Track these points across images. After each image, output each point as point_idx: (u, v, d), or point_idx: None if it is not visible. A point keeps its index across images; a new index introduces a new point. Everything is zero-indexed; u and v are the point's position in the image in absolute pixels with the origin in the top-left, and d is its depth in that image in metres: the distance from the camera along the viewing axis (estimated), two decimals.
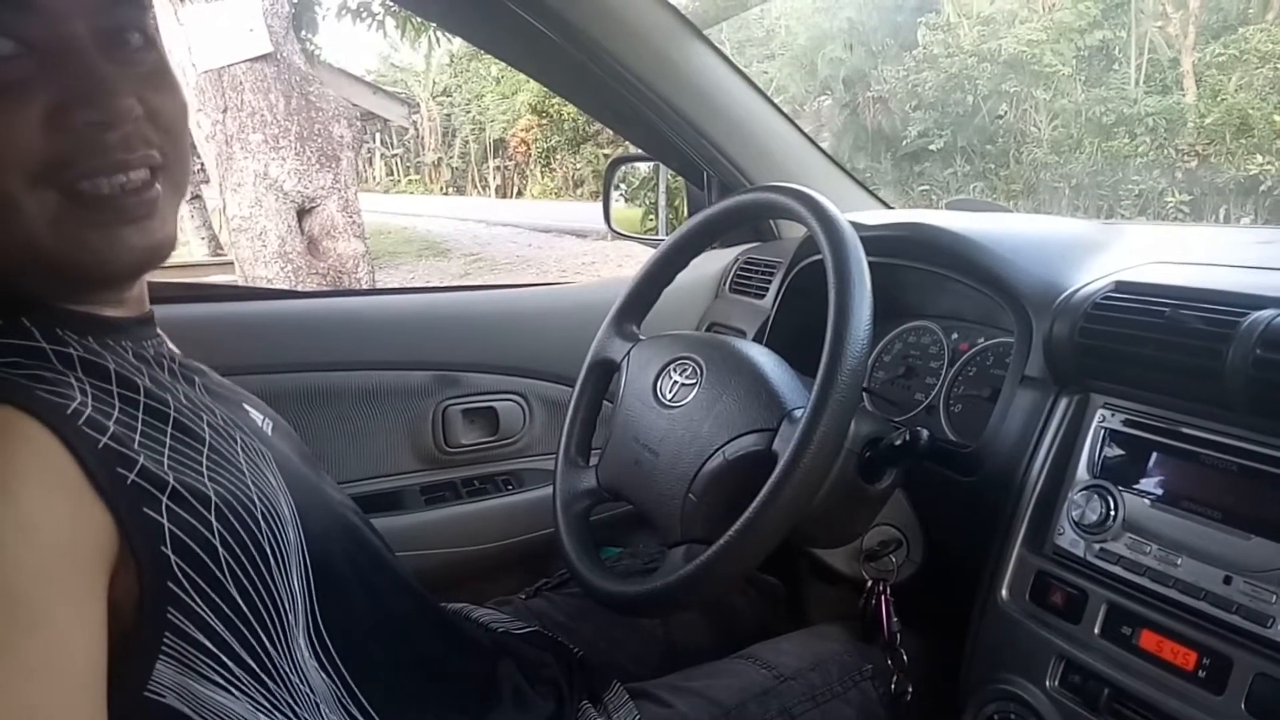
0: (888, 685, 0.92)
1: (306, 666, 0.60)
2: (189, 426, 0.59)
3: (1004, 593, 0.83)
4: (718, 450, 0.86)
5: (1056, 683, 0.76)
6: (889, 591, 0.96)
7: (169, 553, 0.52)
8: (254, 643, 0.57)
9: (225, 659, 0.55)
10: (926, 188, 10.20)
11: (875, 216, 1.26)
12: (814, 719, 0.88)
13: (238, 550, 0.56)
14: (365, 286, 5.48)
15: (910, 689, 0.91)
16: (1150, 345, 0.76)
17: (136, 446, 0.53)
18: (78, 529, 0.48)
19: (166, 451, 0.55)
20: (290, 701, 0.59)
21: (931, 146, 10.41)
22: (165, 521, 0.52)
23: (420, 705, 0.72)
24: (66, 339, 0.56)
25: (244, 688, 0.56)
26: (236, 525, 0.56)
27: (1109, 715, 0.72)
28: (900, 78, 10.69)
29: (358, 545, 0.72)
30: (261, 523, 0.58)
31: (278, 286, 4.99)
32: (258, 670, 0.57)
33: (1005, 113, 10.02)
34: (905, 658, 0.93)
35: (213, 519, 0.55)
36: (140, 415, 0.56)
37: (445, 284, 6.86)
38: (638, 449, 0.94)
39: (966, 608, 0.88)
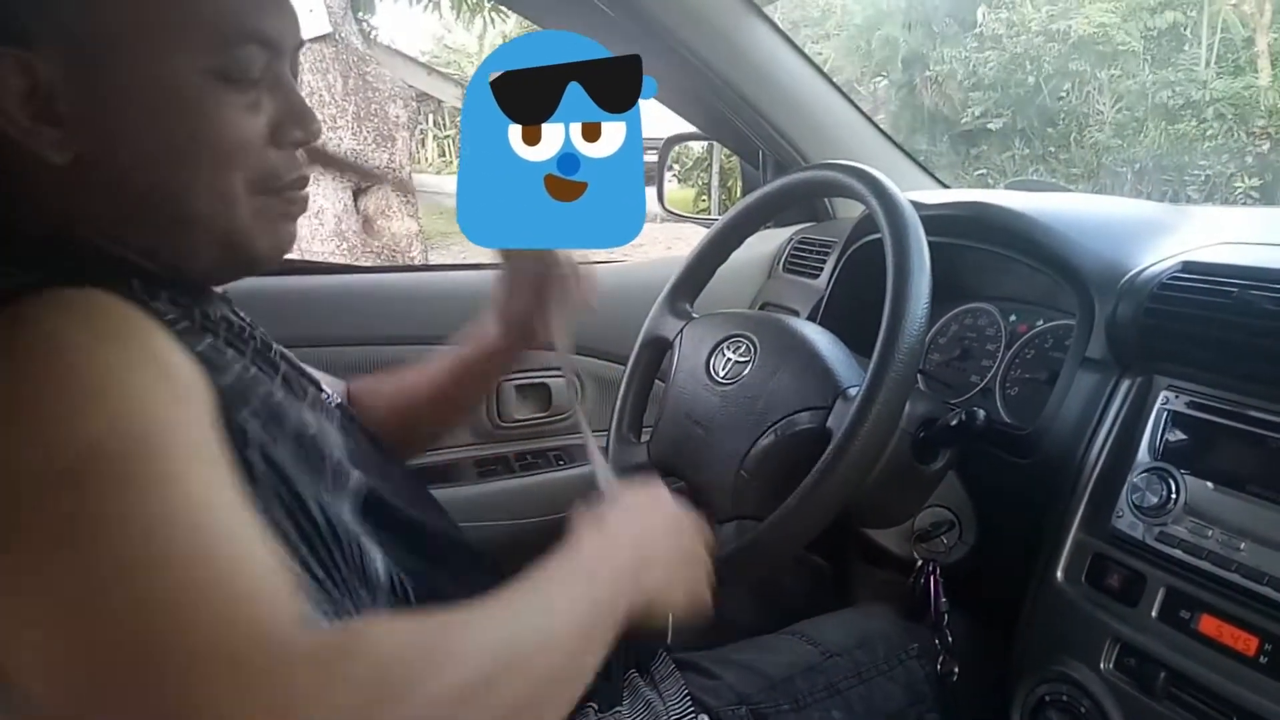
0: (934, 665, 0.91)
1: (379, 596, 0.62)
2: (264, 370, 0.62)
3: (1059, 575, 0.82)
4: (771, 427, 0.86)
5: (1111, 665, 0.76)
6: (939, 572, 0.96)
7: (255, 459, 0.54)
8: (328, 564, 0.58)
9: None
10: (984, 171, 9.99)
11: (934, 196, 1.24)
12: (860, 695, 0.88)
13: (310, 474, 0.58)
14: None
15: (957, 669, 0.91)
16: (1218, 326, 0.75)
17: (225, 363, 0.56)
18: (198, 382, 0.50)
19: (250, 375, 0.58)
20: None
21: (990, 128, 10.19)
22: (249, 430, 0.54)
23: None
24: (157, 292, 0.58)
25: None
26: (306, 452, 0.59)
27: (1166, 699, 0.71)
28: (960, 58, 10.46)
29: (415, 509, 0.73)
30: (328, 463, 0.60)
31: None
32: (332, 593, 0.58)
33: (1067, 94, 9.76)
34: (952, 638, 0.92)
35: (284, 437, 0.57)
36: (222, 344, 0.59)
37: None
38: (690, 426, 0.95)
39: (1019, 590, 0.87)
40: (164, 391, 0.47)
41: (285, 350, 0.73)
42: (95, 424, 0.43)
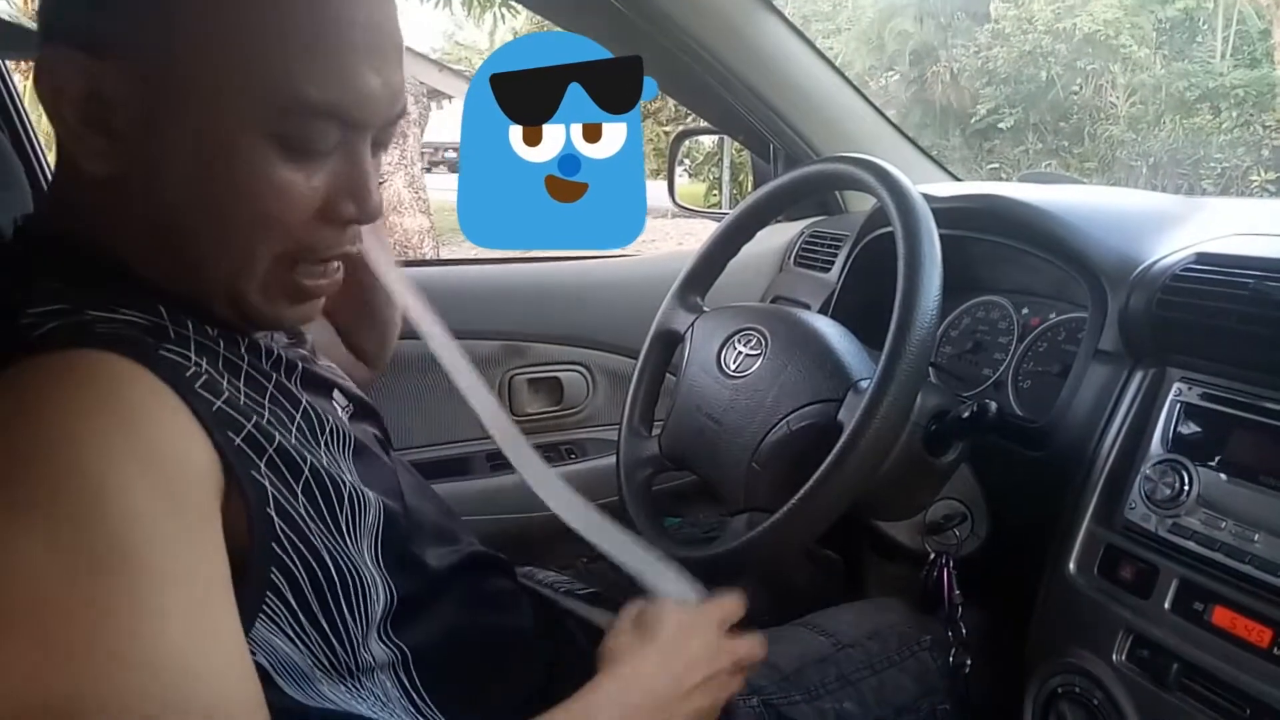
0: (946, 656, 0.92)
1: (369, 637, 0.62)
2: (285, 408, 0.61)
3: (1071, 566, 0.82)
4: (782, 420, 0.86)
5: (1124, 657, 0.75)
6: (951, 565, 0.96)
7: (273, 514, 0.53)
8: (332, 609, 0.58)
9: (304, 620, 0.57)
10: (996, 165, 9.95)
11: (946, 188, 1.24)
12: (872, 686, 0.88)
13: (326, 521, 0.57)
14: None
15: (969, 661, 0.91)
16: (1232, 318, 0.74)
17: (244, 412, 0.55)
18: (193, 464, 0.49)
19: (265, 421, 0.56)
20: (352, 667, 0.61)
21: (1002, 124, 10.14)
22: (268, 484, 0.53)
23: (481, 667, 0.73)
24: (183, 320, 0.57)
25: (313, 648, 0.58)
26: (318, 495, 0.58)
27: (1178, 690, 0.71)
28: (971, 53, 10.41)
29: (426, 525, 0.73)
30: (346, 501, 0.60)
31: None
32: (329, 634, 0.58)
33: (1080, 88, 9.70)
34: (964, 631, 0.92)
35: (298, 487, 0.56)
36: (242, 393, 0.57)
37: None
38: (701, 419, 0.95)
39: (1031, 582, 0.87)
40: (159, 499, 0.46)
41: (305, 357, 0.72)
42: (84, 526, 0.43)
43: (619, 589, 1.01)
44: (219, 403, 0.53)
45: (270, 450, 0.55)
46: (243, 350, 0.61)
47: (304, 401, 0.62)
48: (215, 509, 0.50)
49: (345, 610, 0.59)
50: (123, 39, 0.50)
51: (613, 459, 1.04)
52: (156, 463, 0.46)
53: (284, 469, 0.56)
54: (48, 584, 0.41)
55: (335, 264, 0.61)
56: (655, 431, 1.04)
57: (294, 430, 0.59)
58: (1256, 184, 7.98)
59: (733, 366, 0.94)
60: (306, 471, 0.57)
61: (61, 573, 0.42)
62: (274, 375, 0.63)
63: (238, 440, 0.53)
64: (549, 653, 0.81)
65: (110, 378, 0.48)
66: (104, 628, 0.42)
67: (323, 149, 0.54)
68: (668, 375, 1.07)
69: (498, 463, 1.36)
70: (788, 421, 0.86)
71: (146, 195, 0.53)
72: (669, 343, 1.06)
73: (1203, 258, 0.82)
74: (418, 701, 0.66)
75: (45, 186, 1.16)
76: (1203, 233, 0.91)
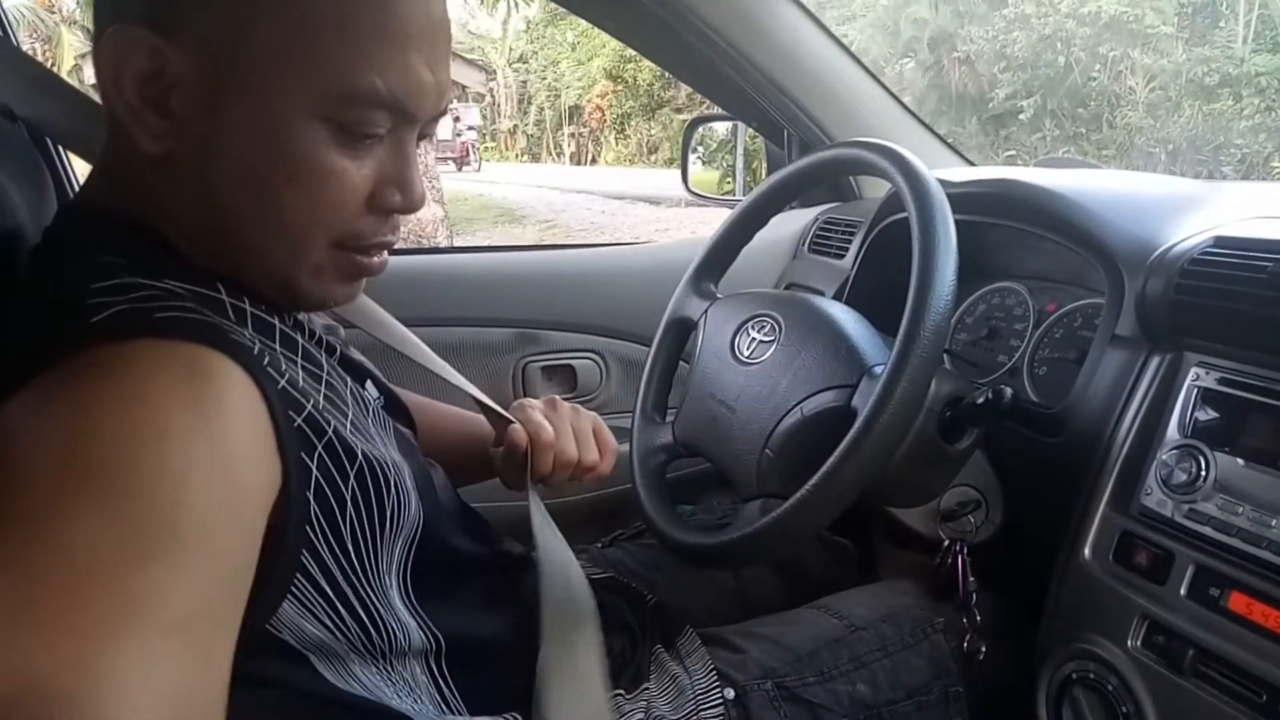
0: (960, 641, 0.92)
1: (396, 603, 0.63)
2: (337, 390, 0.61)
3: (1087, 552, 0.82)
4: (795, 406, 0.86)
5: (1139, 643, 0.75)
6: (966, 552, 0.96)
7: (310, 498, 0.54)
8: (363, 593, 0.59)
9: (338, 604, 0.58)
10: (1013, 152, 9.88)
11: (961, 173, 1.23)
12: (885, 668, 0.88)
13: (364, 509, 0.58)
14: None
15: (983, 648, 0.91)
16: (1250, 301, 0.73)
17: (303, 393, 0.55)
18: (259, 472, 0.50)
19: (322, 405, 0.57)
20: (385, 649, 0.62)
21: (1020, 111, 10.05)
22: (314, 469, 0.54)
23: (504, 657, 0.74)
24: (240, 294, 0.58)
25: (346, 631, 0.59)
26: (370, 487, 0.58)
27: (1194, 676, 0.71)
28: (989, 38, 10.31)
29: (455, 517, 0.75)
30: (393, 490, 0.60)
31: None
32: (363, 617, 0.60)
33: (1099, 74, 9.60)
34: (979, 617, 0.92)
35: (352, 476, 0.57)
36: (300, 371, 0.58)
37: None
38: (714, 405, 0.95)
39: (1046, 568, 0.87)
40: (224, 502, 0.46)
41: (343, 341, 0.72)
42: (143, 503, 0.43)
43: (633, 574, 1.02)
44: (283, 382, 0.53)
45: (329, 434, 0.56)
46: (291, 325, 0.62)
47: (350, 385, 0.63)
48: (268, 505, 0.51)
49: (374, 596, 0.60)
50: (193, 19, 0.51)
51: (626, 446, 1.04)
52: (230, 463, 0.47)
53: (340, 453, 0.56)
54: (103, 566, 0.41)
55: (382, 251, 0.62)
56: (669, 418, 1.04)
57: (349, 416, 0.60)
58: (1278, 170, 7.88)
59: (746, 353, 0.94)
60: (360, 459, 0.58)
61: (117, 555, 0.41)
62: (323, 355, 0.63)
63: (298, 420, 0.53)
64: None
65: (183, 367, 0.47)
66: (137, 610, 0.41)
67: (374, 138, 0.56)
68: (681, 362, 1.07)
69: None
70: (801, 408, 0.86)
71: (201, 176, 0.54)
72: (682, 329, 1.06)
73: (1221, 241, 0.81)
74: (444, 689, 0.67)
75: (64, 176, 1.18)
76: (1220, 216, 0.90)
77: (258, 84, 0.52)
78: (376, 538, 0.60)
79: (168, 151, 0.53)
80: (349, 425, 0.59)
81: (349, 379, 0.64)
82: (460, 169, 21.22)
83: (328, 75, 0.52)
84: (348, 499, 0.57)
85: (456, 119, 20.85)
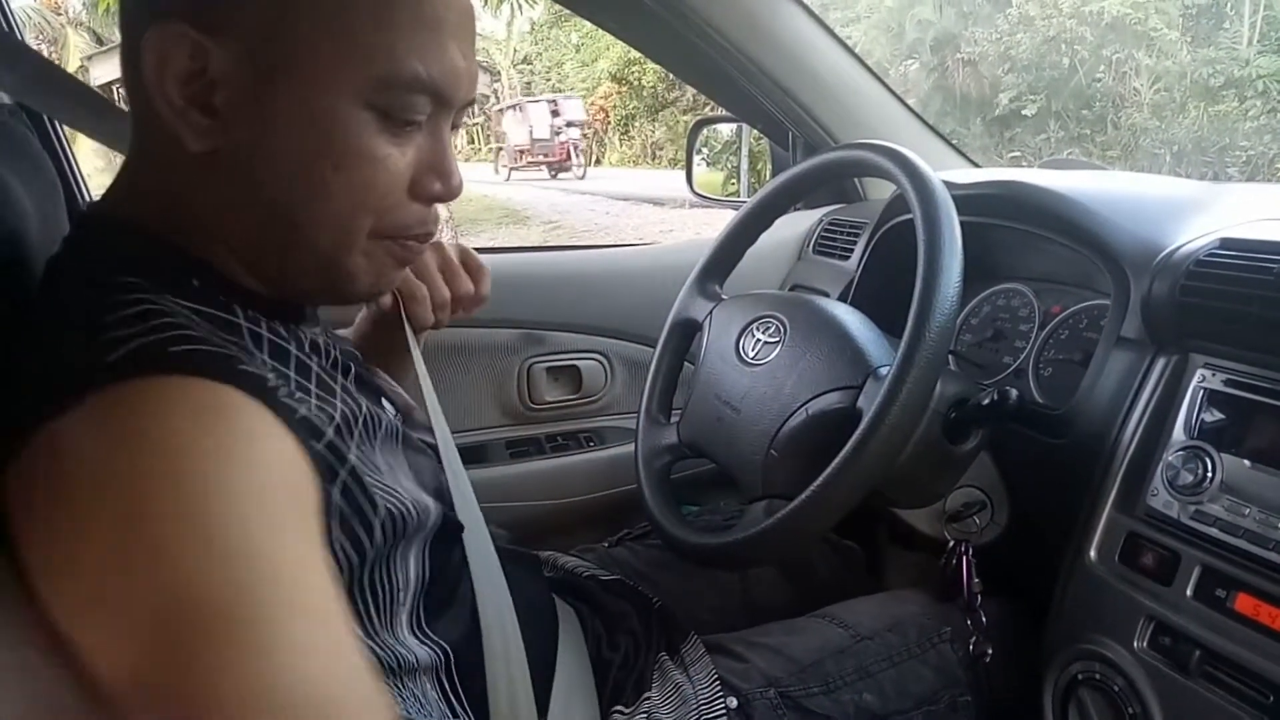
0: (966, 647, 0.91)
1: (407, 639, 0.63)
2: (351, 416, 0.61)
3: (1092, 554, 0.82)
4: (800, 407, 0.86)
5: (1145, 644, 0.75)
6: (971, 553, 0.96)
7: (333, 525, 0.54)
8: (372, 613, 0.59)
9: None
10: (1017, 154, 9.86)
11: (966, 175, 1.23)
12: (891, 678, 0.88)
13: (382, 535, 0.58)
14: None
15: (989, 650, 0.91)
16: (1256, 303, 0.73)
17: (321, 420, 0.55)
18: (303, 487, 0.50)
19: (338, 427, 0.57)
20: (392, 666, 0.61)
21: (1024, 112, 10.04)
22: (338, 495, 0.54)
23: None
24: (258, 319, 0.58)
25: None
26: (391, 514, 0.58)
27: (1200, 677, 0.71)
28: (993, 40, 10.30)
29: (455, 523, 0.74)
30: (410, 514, 0.60)
31: None
32: (362, 635, 0.59)
33: (1103, 75, 9.59)
34: (984, 619, 0.92)
35: (362, 498, 0.57)
36: (312, 394, 0.58)
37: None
38: (719, 406, 0.95)
39: (1052, 570, 0.87)
40: (274, 513, 0.46)
41: (356, 358, 0.72)
42: (204, 562, 0.42)
43: (639, 575, 1.02)
44: (302, 410, 0.53)
45: (350, 461, 0.56)
46: (307, 349, 0.62)
47: (364, 406, 0.63)
48: (321, 521, 0.51)
49: (379, 613, 0.60)
50: (235, 14, 0.52)
51: (631, 447, 1.04)
52: (270, 491, 0.47)
53: (358, 477, 0.56)
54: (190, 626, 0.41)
55: (423, 243, 0.63)
56: (674, 419, 1.04)
57: (357, 435, 0.60)
58: None
59: (751, 354, 0.94)
60: (369, 480, 0.57)
61: (204, 619, 0.41)
62: (338, 377, 0.63)
63: (319, 447, 0.53)
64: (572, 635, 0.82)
65: (207, 405, 0.47)
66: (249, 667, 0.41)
67: (415, 123, 0.57)
68: (686, 363, 1.08)
69: (516, 450, 1.37)
70: (806, 409, 0.86)
71: (247, 170, 0.54)
72: (687, 331, 1.07)
73: (1226, 243, 0.81)
74: (454, 703, 0.67)
75: (74, 180, 1.18)
76: (1226, 218, 0.90)
77: (302, 74, 0.52)
78: (394, 566, 0.60)
79: (213, 149, 0.54)
80: (363, 453, 0.59)
81: (364, 400, 0.64)
82: (555, 175, 17.81)
83: (371, 62, 0.53)
84: (375, 524, 0.57)
85: (555, 113, 17.81)
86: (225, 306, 0.56)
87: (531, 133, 17.87)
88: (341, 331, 0.87)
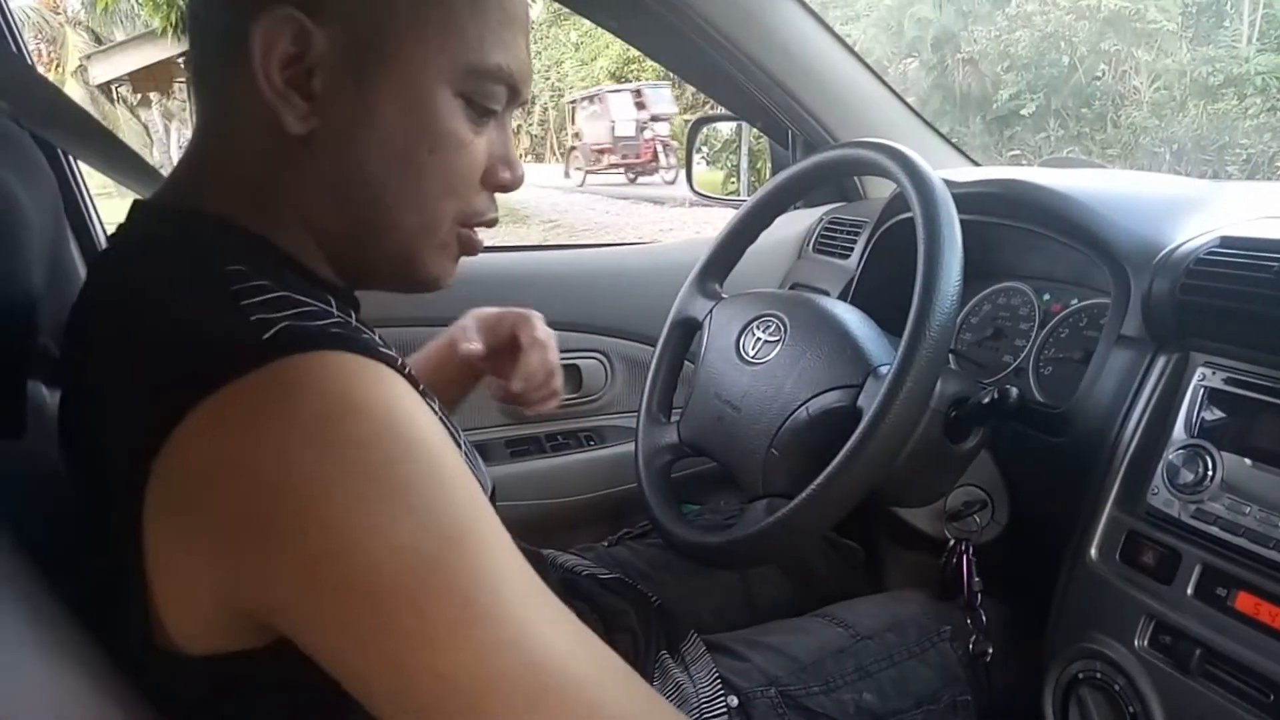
0: (966, 646, 0.91)
1: None
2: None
3: (1093, 552, 0.82)
4: (801, 406, 0.86)
5: (1146, 643, 0.75)
6: (971, 552, 0.96)
7: None
8: None
9: None
10: (1017, 152, 9.86)
11: (966, 173, 1.23)
12: (891, 678, 0.88)
13: None
14: None
15: (989, 650, 0.91)
16: (1257, 301, 0.73)
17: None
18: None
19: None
20: None
21: (1023, 110, 10.03)
22: None
23: None
24: (348, 310, 0.59)
25: None
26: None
27: (1201, 676, 0.71)
28: (992, 38, 10.30)
29: None
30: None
31: None
32: None
33: (1103, 73, 9.59)
34: (985, 619, 0.92)
35: None
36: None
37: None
38: (720, 405, 0.95)
39: (1052, 568, 0.87)
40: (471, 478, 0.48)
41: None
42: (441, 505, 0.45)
43: (639, 574, 1.02)
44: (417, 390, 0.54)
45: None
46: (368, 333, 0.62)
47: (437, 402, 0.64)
48: None
49: None
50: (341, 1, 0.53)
51: (631, 446, 1.04)
52: (451, 445, 0.49)
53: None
54: (419, 573, 0.43)
55: (485, 231, 0.65)
56: (674, 418, 1.04)
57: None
58: None
59: (751, 353, 0.94)
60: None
61: (431, 559, 0.44)
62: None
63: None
64: None
65: (381, 375, 0.48)
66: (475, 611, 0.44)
67: (493, 112, 0.59)
68: (686, 362, 1.08)
69: (517, 449, 1.37)
70: (807, 407, 0.86)
71: (344, 152, 0.55)
72: (687, 330, 1.07)
73: (1227, 241, 0.81)
74: None
75: (71, 177, 1.18)
76: (1226, 216, 0.90)
77: (400, 59, 0.54)
78: None
79: (309, 132, 0.54)
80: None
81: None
82: (635, 180, 15.07)
83: (465, 49, 0.55)
84: None
85: (640, 104, 15.26)
86: (317, 294, 0.56)
87: (614, 129, 15.45)
88: (415, 358, 0.95)
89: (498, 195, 0.63)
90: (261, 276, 0.51)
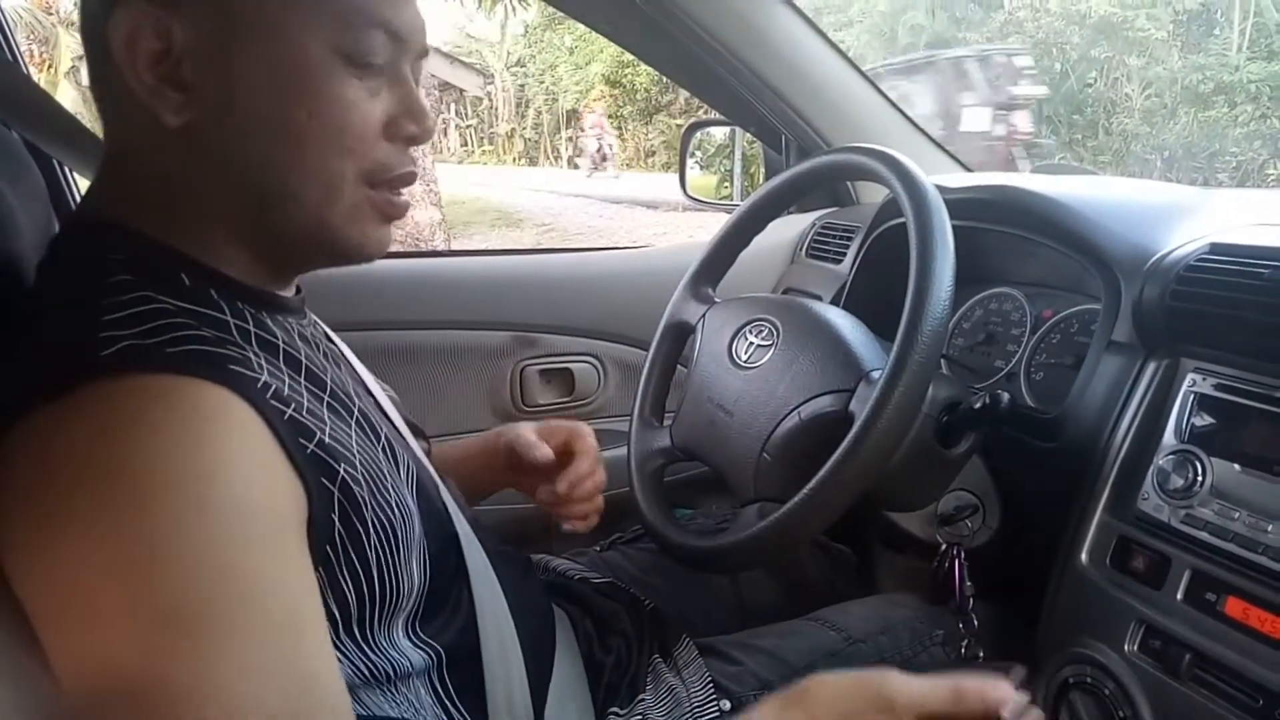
0: (958, 650, 0.92)
1: (401, 643, 0.63)
2: (342, 405, 0.61)
3: (1084, 557, 0.82)
4: (793, 410, 0.87)
5: (1136, 647, 0.76)
6: (963, 556, 0.96)
7: (336, 519, 0.54)
8: (365, 617, 0.59)
9: (340, 628, 0.57)
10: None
11: (958, 179, 1.23)
12: None
13: (379, 536, 0.58)
14: None
15: (981, 653, 0.91)
16: (1247, 308, 0.74)
17: (310, 419, 0.55)
18: (281, 498, 0.50)
19: (329, 427, 0.57)
20: (390, 675, 0.61)
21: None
22: (336, 491, 0.54)
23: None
24: (245, 313, 0.58)
25: (351, 657, 0.59)
26: (381, 506, 0.58)
27: (1190, 681, 0.71)
28: (985, 43, 10.34)
29: (460, 531, 0.74)
30: (408, 515, 0.61)
31: None
32: (361, 642, 0.59)
33: (1095, 81, 9.64)
34: (976, 623, 0.92)
35: (366, 496, 0.57)
36: (304, 391, 0.57)
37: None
38: (712, 409, 0.95)
39: (1043, 573, 0.87)
40: (251, 528, 0.47)
41: (344, 358, 0.72)
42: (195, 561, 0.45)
43: (631, 579, 1.01)
44: (289, 411, 0.53)
45: (345, 456, 0.56)
46: (296, 340, 0.62)
47: (356, 403, 0.63)
48: (303, 531, 0.52)
49: (380, 618, 0.60)
50: None
51: (624, 450, 1.04)
52: (249, 505, 0.48)
53: (359, 476, 0.57)
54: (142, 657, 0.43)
55: (405, 189, 0.63)
56: (667, 422, 1.04)
57: (354, 433, 0.60)
58: (1273, 177, 7.91)
59: (744, 357, 0.94)
60: (365, 479, 0.58)
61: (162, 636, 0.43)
62: (329, 369, 0.63)
63: (310, 447, 0.53)
64: (566, 638, 0.82)
65: (195, 408, 0.48)
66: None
67: (377, 63, 0.57)
68: (679, 366, 1.08)
69: None
70: (799, 412, 0.86)
71: (226, 135, 0.55)
72: (680, 334, 1.07)
73: (1217, 248, 0.81)
74: (449, 706, 0.67)
75: (63, 181, 1.18)
76: (1216, 223, 0.91)
77: (263, 30, 0.53)
78: (399, 569, 0.60)
79: (189, 122, 0.54)
80: (354, 443, 0.59)
81: (356, 397, 0.64)
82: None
83: (322, 6, 0.54)
84: (369, 520, 0.57)
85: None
86: (214, 303, 0.56)
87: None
88: (448, 447, 0.98)
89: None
90: (145, 286, 0.52)
